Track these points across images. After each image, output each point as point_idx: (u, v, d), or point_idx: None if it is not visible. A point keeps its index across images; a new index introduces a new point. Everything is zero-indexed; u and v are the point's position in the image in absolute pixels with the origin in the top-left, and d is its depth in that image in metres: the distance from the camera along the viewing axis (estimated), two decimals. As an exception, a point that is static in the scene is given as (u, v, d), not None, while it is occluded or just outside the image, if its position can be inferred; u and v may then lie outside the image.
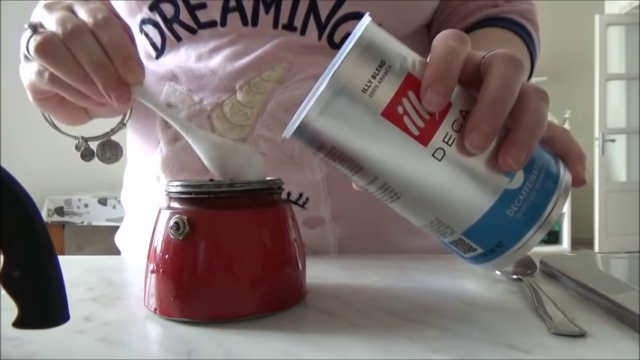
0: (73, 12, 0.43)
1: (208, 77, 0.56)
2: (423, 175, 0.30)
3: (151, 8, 0.57)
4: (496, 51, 0.32)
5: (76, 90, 0.42)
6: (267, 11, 0.55)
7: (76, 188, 3.40)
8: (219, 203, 0.36)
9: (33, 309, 0.27)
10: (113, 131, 0.55)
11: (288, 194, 0.56)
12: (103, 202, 3.12)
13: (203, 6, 0.55)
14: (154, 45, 0.59)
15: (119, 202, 2.75)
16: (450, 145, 0.29)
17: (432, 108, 0.29)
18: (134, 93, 0.41)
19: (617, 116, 4.47)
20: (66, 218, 3.16)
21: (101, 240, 3.29)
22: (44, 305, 0.27)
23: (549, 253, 0.75)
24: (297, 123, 0.30)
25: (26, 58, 0.45)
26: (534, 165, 0.31)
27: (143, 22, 0.58)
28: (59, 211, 3.16)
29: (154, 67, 0.59)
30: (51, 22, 0.41)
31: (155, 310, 0.36)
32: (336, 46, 0.55)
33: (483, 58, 0.32)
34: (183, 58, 0.57)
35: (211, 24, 0.56)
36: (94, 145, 0.53)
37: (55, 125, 0.54)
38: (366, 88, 0.29)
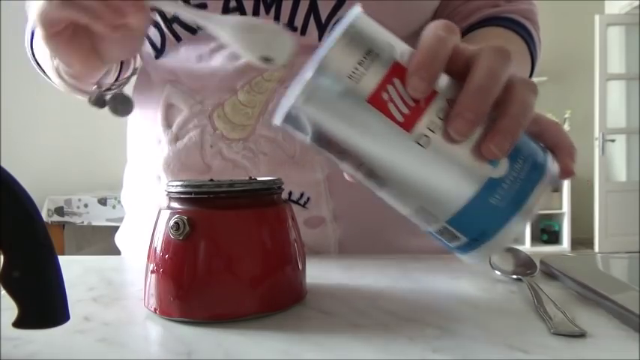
0: None
1: (209, 77, 0.56)
2: (407, 161, 0.30)
3: (151, 8, 0.56)
4: (487, 44, 0.32)
5: (89, 10, 0.40)
6: (267, 11, 0.55)
7: (76, 188, 3.40)
8: (219, 203, 0.36)
9: (33, 309, 0.27)
10: (128, 79, 0.57)
11: (290, 194, 0.56)
12: (103, 202, 3.13)
13: (203, 6, 0.55)
14: (153, 45, 0.59)
15: (119, 202, 2.75)
16: (435, 133, 0.29)
17: (416, 94, 0.29)
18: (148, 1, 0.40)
19: (617, 116, 4.46)
20: (66, 218, 3.16)
21: (101, 240, 3.30)
22: (44, 305, 0.27)
23: (549, 253, 0.75)
24: (285, 109, 0.30)
25: None
26: (520, 154, 0.31)
27: None
28: (59, 211, 3.16)
29: (155, 67, 0.59)
30: None
31: (155, 310, 0.36)
32: None
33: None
34: (183, 58, 0.57)
35: None
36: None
37: (66, 80, 0.54)
38: (353, 74, 0.29)
